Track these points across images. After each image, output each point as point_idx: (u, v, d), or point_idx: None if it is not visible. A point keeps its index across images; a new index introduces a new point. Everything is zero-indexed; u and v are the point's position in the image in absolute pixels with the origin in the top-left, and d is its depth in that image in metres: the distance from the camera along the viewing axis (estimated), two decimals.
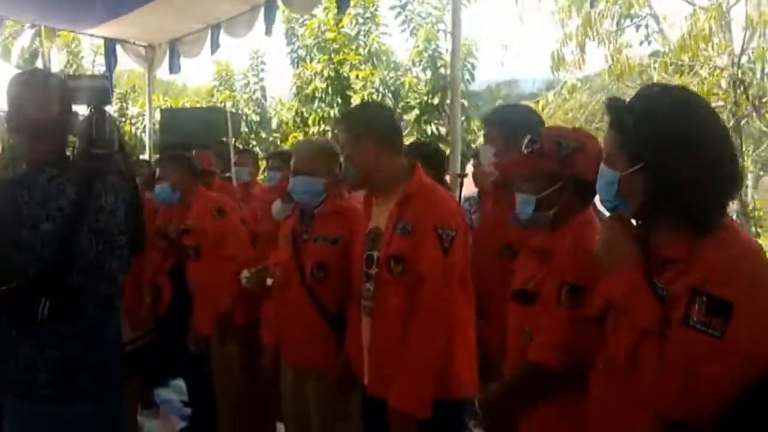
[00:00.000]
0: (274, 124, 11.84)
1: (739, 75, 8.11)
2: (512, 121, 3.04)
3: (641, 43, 8.33)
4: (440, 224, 2.50)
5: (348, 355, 2.84)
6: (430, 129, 9.72)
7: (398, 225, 2.55)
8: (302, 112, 10.94)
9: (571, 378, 1.97)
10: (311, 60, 11.09)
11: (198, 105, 13.23)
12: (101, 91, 2.48)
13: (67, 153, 2.38)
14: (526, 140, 2.23)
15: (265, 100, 12.67)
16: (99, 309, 2.32)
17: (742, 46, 7.88)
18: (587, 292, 1.96)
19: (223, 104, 12.07)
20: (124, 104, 13.44)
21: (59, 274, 2.24)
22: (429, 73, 9.99)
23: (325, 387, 3.01)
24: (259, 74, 13.01)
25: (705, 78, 8.55)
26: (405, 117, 10.13)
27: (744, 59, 8.44)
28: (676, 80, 8.19)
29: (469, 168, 4.73)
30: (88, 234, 2.28)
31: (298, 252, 3.14)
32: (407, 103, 10.03)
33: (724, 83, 8.59)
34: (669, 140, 1.52)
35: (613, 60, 7.93)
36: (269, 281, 3.63)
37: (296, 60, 11.57)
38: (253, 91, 12.86)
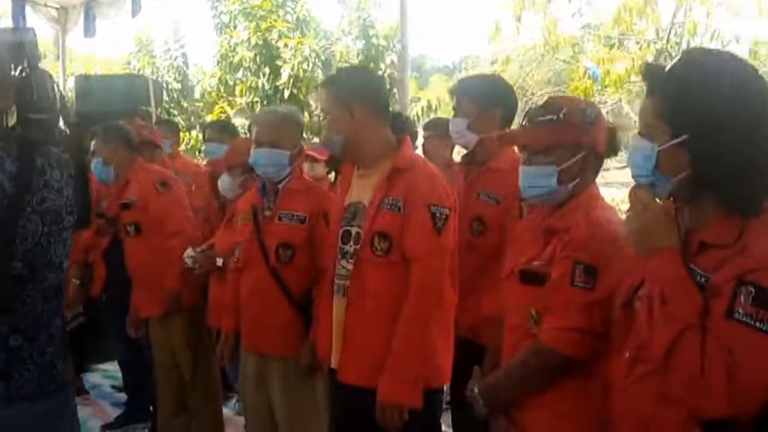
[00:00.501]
0: (197, 93, 11.34)
1: (668, 48, 8.25)
2: (486, 91, 2.94)
3: (573, 15, 8.36)
4: (434, 201, 2.36)
5: (314, 338, 2.68)
6: None
7: (386, 200, 2.39)
8: (227, 81, 10.51)
9: (578, 365, 1.90)
10: (236, 27, 10.65)
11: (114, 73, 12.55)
12: (33, 45, 2.18)
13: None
14: (544, 109, 2.06)
15: (187, 67, 12.13)
16: (45, 301, 2.06)
17: (672, 20, 8.01)
18: (602, 273, 1.87)
19: (141, 72, 11.49)
20: None
21: (1, 263, 1.97)
22: (360, 42, 9.77)
23: (291, 373, 2.86)
24: (180, 40, 12.44)
25: (633, 52, 8.66)
26: None
27: (668, 33, 8.60)
28: (606, 54, 8.26)
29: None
30: (32, 215, 2.00)
31: (260, 230, 2.92)
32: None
33: (650, 57, 8.73)
34: (719, 109, 1.39)
35: (549, 33, 7.91)
36: (219, 262, 3.42)
37: (220, 26, 11.10)
38: (173, 58, 12.28)
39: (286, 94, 9.12)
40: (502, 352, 2.17)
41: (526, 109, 3.13)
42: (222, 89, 10.52)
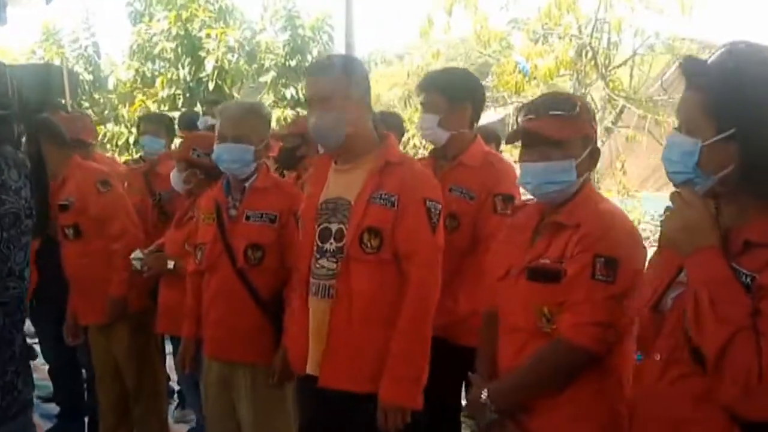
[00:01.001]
0: (110, 84, 10.81)
1: (590, 43, 8.44)
2: (455, 86, 2.87)
3: (501, 9, 8.44)
4: (430, 196, 2.28)
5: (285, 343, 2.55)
6: (290, 92, 9.31)
7: (378, 194, 2.27)
8: (144, 73, 10.07)
9: (595, 362, 1.87)
10: (151, 17, 10.22)
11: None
12: None
13: None
14: (556, 102, 2.00)
15: (99, 57, 11.54)
16: (6, 315, 1.86)
17: (596, 16, 8.19)
18: (621, 265, 1.85)
19: (49, 62, 10.85)
20: None
21: None
22: (286, 33, 9.55)
23: (259, 381, 2.71)
24: (90, 29, 11.81)
25: (556, 47, 8.82)
26: (260, 79, 9.64)
27: (590, 29, 8.81)
28: (532, 49, 8.38)
29: None
30: None
31: (225, 231, 2.76)
32: (261, 65, 9.54)
33: (572, 52, 8.92)
34: None
35: (480, 27, 7.96)
36: (170, 264, 3.23)
37: (134, 15, 10.63)
38: (84, 48, 11.65)
39: (211, 86, 8.81)
40: (498, 354, 2.10)
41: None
42: (138, 81, 10.08)
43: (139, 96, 9.39)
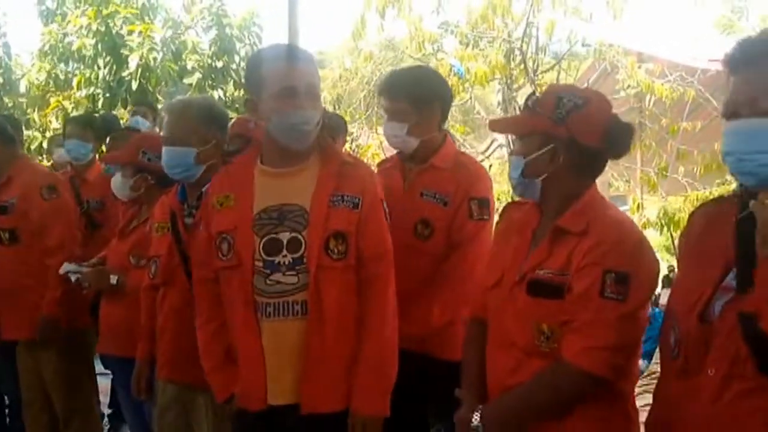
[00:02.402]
0: (22, 87, 10.15)
1: (522, 47, 8.49)
2: (421, 89, 2.69)
3: (432, 12, 8.37)
4: (382, 196, 2.26)
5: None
6: (217, 94, 8.97)
7: (338, 197, 2.13)
8: (57, 74, 9.49)
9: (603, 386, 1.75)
10: (64, 16, 9.67)
11: None
12: None
13: None
14: (527, 95, 1.93)
15: (10, 59, 10.83)
16: None
17: (527, 19, 8.24)
18: (633, 281, 1.72)
19: None
20: None
21: None
22: (212, 32, 9.20)
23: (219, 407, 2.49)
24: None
25: (485, 51, 8.83)
26: (185, 80, 9.24)
27: (520, 32, 8.87)
28: (463, 52, 8.35)
29: None
30: None
31: (182, 241, 2.53)
32: (183, 65, 9.13)
33: (501, 56, 8.95)
34: None
35: (414, 28, 7.87)
36: (113, 279, 2.96)
37: (46, 14, 10.02)
38: None
39: (134, 85, 8.37)
40: (489, 369, 1.97)
41: None
42: (51, 82, 9.49)
43: (54, 98, 8.82)
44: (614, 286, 1.71)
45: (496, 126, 2.12)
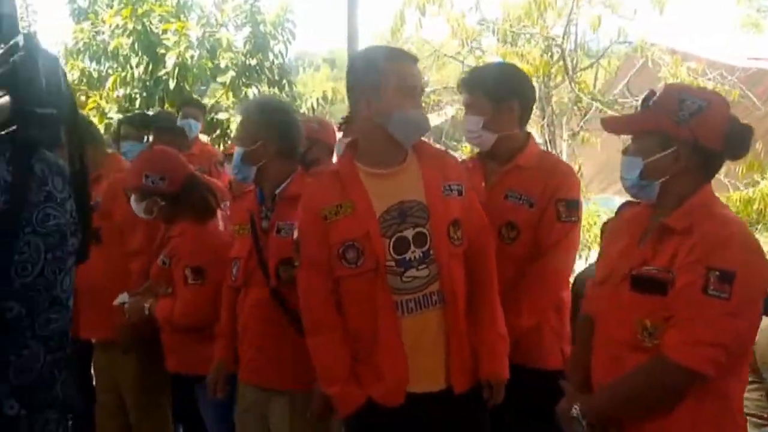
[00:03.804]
0: None
1: (562, 44, 8.37)
2: (500, 84, 2.63)
3: (470, 9, 8.26)
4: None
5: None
6: (251, 92, 8.90)
7: (445, 187, 2.22)
8: (90, 73, 9.47)
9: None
10: (96, 14, 9.66)
11: None
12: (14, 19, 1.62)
13: None
14: (645, 93, 1.87)
15: None
16: (47, 351, 1.54)
17: (568, 16, 8.12)
18: (738, 279, 1.69)
19: None
20: None
21: None
22: (246, 29, 9.12)
23: (298, 411, 2.46)
24: (30, 26, 11.12)
25: (524, 49, 8.71)
26: (218, 79, 9.18)
27: (561, 30, 8.74)
28: (505, 50, 8.24)
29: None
30: (31, 237, 1.48)
31: (259, 244, 2.47)
32: (217, 64, 9.07)
33: (540, 53, 8.83)
34: None
35: (457, 25, 7.77)
36: (146, 309, 2.90)
37: (77, 12, 10.02)
38: None
39: (171, 84, 8.32)
40: (593, 365, 1.97)
41: None
42: (85, 81, 9.47)
43: (91, 97, 8.79)
44: (718, 284, 1.69)
45: (610, 124, 2.03)
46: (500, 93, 2.60)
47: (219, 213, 3.02)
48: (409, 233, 2.14)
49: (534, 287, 2.50)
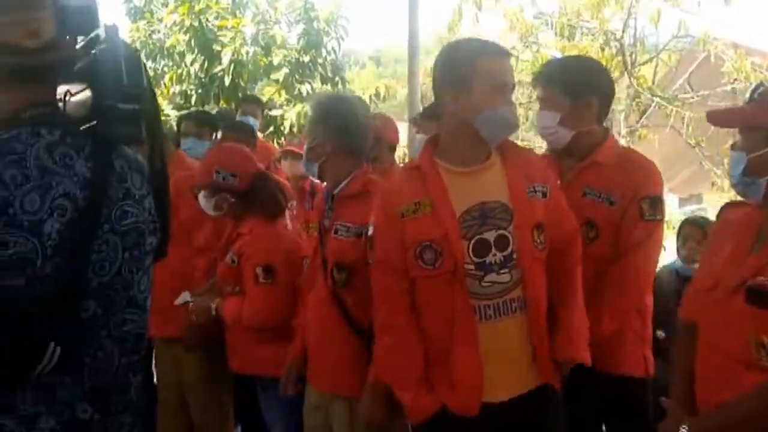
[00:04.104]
0: None
1: (621, 38, 8.16)
2: (578, 78, 2.49)
3: (527, 3, 8.12)
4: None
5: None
6: (305, 89, 8.90)
7: (530, 189, 2.12)
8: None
9: None
10: (152, 13, 9.79)
11: None
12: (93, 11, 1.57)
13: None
14: (751, 87, 1.74)
15: None
16: (123, 354, 1.49)
17: (629, 10, 7.92)
18: None
19: None
20: None
21: (68, 301, 1.39)
22: (300, 26, 9.13)
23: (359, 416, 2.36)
24: None
25: (583, 43, 8.52)
26: (272, 76, 9.20)
27: (618, 24, 8.54)
28: (563, 45, 8.07)
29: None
30: (109, 235, 1.43)
31: (322, 244, 2.44)
32: (270, 60, 9.09)
33: (598, 48, 8.62)
34: None
35: (516, 19, 7.64)
36: (212, 309, 2.84)
37: (133, 11, 10.17)
38: None
39: (227, 81, 8.37)
40: (698, 379, 1.83)
41: None
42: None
43: None
44: None
45: (716, 118, 1.90)
46: (578, 88, 2.46)
47: (286, 212, 2.97)
48: (490, 235, 2.03)
49: (615, 290, 2.37)
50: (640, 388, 2.47)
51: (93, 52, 1.42)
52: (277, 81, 9.17)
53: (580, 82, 2.49)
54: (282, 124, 8.68)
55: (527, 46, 8.39)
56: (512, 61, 2.35)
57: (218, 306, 2.84)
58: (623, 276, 2.38)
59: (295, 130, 8.23)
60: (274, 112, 8.83)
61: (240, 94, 8.28)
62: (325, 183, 2.64)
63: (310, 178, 4.64)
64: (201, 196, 2.90)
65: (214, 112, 7.08)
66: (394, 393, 2.14)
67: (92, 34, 1.46)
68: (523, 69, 8.47)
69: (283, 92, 9.17)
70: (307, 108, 8.45)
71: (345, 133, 2.48)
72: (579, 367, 2.23)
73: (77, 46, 1.48)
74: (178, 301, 2.97)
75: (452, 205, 2.04)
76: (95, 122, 1.41)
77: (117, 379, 1.49)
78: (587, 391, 2.34)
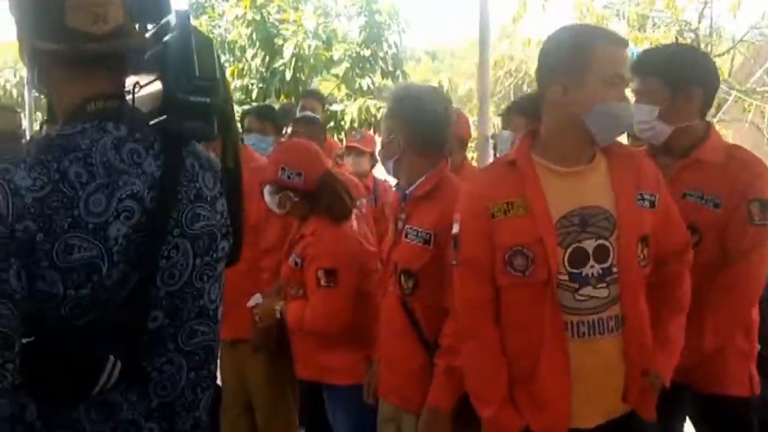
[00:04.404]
0: None
1: (696, 29, 7.80)
2: (679, 68, 2.28)
3: None
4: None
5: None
6: (366, 83, 8.78)
7: (638, 196, 1.89)
8: None
9: None
10: (214, 7, 9.84)
11: None
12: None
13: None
14: None
15: None
16: (190, 368, 1.37)
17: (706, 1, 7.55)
18: None
19: None
20: None
21: (134, 312, 1.27)
22: (362, 19, 9.01)
23: None
24: None
25: (654, 34, 8.18)
26: (332, 71, 9.12)
27: (692, 14, 8.18)
28: (635, 36, 7.75)
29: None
30: (179, 240, 1.31)
31: (395, 248, 2.31)
32: (331, 56, 8.98)
33: (669, 37, 8.25)
34: None
35: (586, 10, 7.35)
36: (277, 312, 2.72)
37: (195, 6, 10.25)
38: None
39: (288, 75, 8.30)
40: None
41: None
42: None
43: None
44: None
45: None
46: (680, 79, 2.25)
47: (354, 212, 2.83)
48: (588, 245, 1.82)
49: (721, 302, 2.16)
50: (744, 408, 2.24)
51: (164, 40, 1.29)
52: (336, 76, 9.08)
53: (683, 73, 2.27)
54: (343, 119, 8.59)
55: None
56: None
57: (282, 309, 2.72)
58: (729, 287, 2.16)
59: (356, 125, 8.13)
60: (334, 107, 8.74)
61: (301, 89, 8.20)
62: (397, 182, 2.49)
63: (372, 174, 4.53)
64: (266, 192, 2.79)
65: (276, 107, 7.04)
66: (474, 406, 1.97)
67: (163, 21, 1.33)
68: None
69: (343, 87, 9.08)
70: (368, 103, 8.48)
71: (419, 128, 2.32)
72: (675, 386, 2.02)
73: (147, 34, 1.36)
74: (251, 303, 2.87)
75: (549, 208, 1.84)
76: (165, 117, 1.28)
77: (184, 396, 1.37)
78: (685, 411, 2.13)
